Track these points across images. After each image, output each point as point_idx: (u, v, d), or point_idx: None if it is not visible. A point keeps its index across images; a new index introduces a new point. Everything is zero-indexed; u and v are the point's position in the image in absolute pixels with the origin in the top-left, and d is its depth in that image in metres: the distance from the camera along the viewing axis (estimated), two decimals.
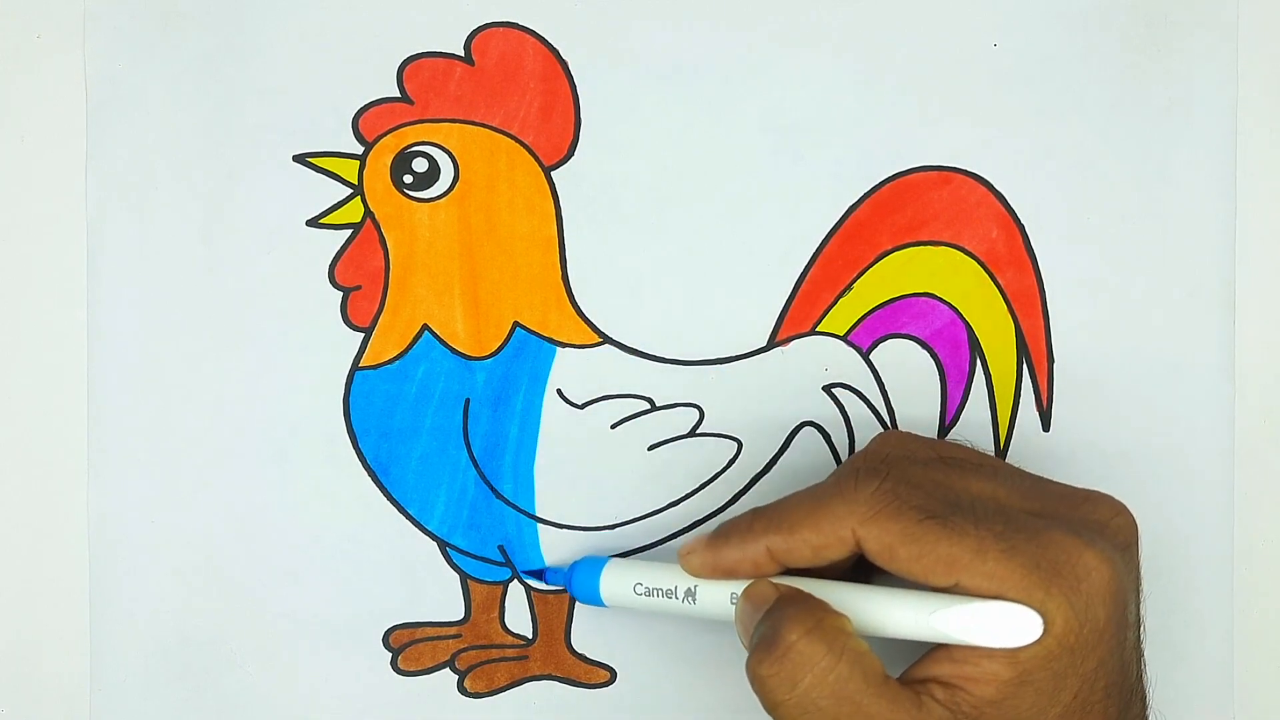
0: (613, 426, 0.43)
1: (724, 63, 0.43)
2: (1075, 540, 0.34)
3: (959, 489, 0.36)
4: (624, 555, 0.43)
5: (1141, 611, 0.36)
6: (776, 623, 0.35)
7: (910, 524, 0.34)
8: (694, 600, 0.39)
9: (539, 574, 0.43)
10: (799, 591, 0.36)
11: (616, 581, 0.40)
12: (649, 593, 0.39)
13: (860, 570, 0.38)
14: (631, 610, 0.41)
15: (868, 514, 0.35)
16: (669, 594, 0.39)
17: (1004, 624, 0.33)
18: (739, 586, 0.37)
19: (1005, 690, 0.34)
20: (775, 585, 0.37)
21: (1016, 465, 0.40)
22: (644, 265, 0.43)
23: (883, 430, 0.43)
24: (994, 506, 0.35)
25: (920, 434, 0.40)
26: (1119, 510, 0.36)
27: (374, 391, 0.43)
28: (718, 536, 0.38)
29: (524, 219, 0.43)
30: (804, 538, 0.36)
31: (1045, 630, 0.33)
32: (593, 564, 0.41)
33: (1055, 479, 0.38)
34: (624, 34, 0.43)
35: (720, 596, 0.38)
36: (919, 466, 0.36)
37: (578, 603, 0.43)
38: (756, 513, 0.37)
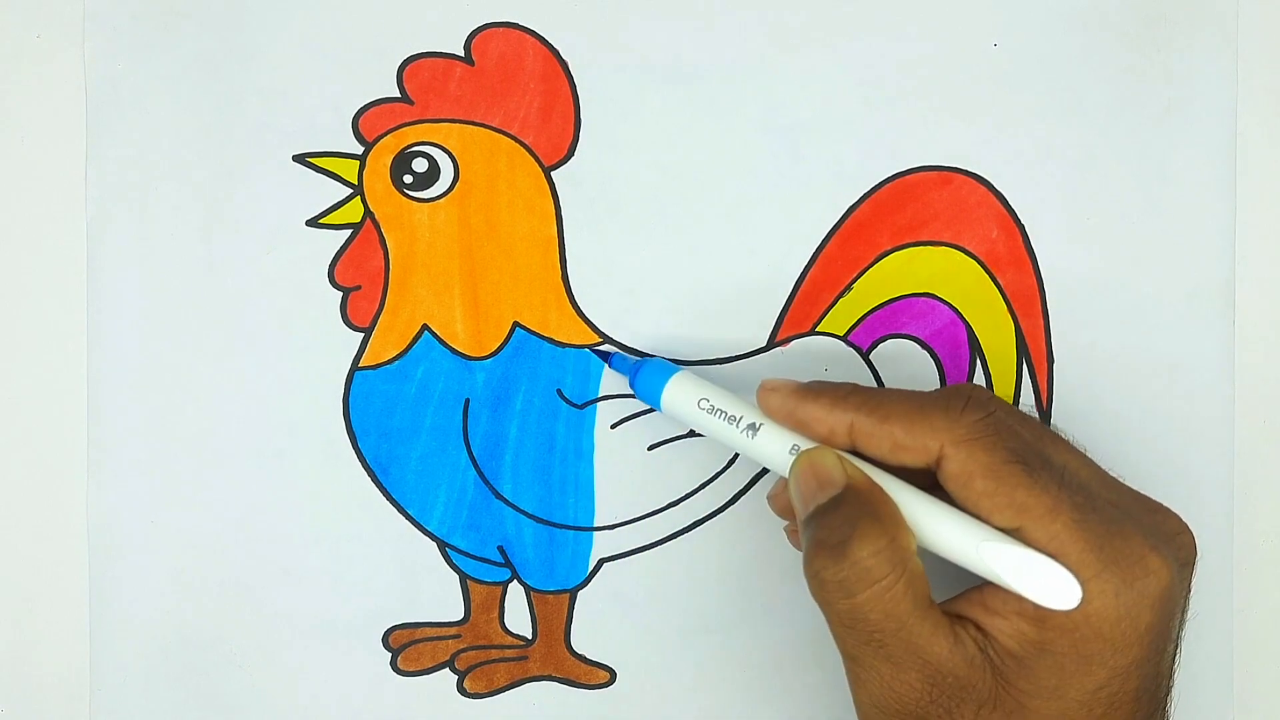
0: (613, 426, 0.43)
1: (724, 63, 0.43)
2: (1144, 540, 0.34)
3: (1051, 452, 0.36)
4: (620, 557, 0.43)
5: (1182, 633, 0.36)
6: (849, 530, 0.34)
7: (999, 462, 0.34)
8: (754, 435, 0.38)
9: (605, 356, 0.42)
10: (869, 486, 0.36)
11: (682, 391, 0.39)
12: (711, 411, 0.39)
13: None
14: (685, 423, 0.40)
15: (964, 437, 0.35)
16: (731, 420, 0.38)
17: (1043, 580, 0.33)
18: (802, 440, 0.37)
19: (1027, 650, 0.34)
20: (844, 464, 0.36)
21: None
22: (644, 265, 0.43)
23: None
24: (1079, 481, 0.35)
25: None
26: (1183, 529, 0.36)
27: (374, 391, 0.43)
28: (808, 388, 0.37)
29: (524, 219, 0.43)
30: (891, 431, 0.36)
31: (1079, 605, 0.33)
32: (662, 367, 0.40)
33: (1066, 437, 0.38)
34: (624, 34, 0.43)
35: (781, 443, 0.37)
36: (1019, 418, 0.37)
37: (578, 603, 0.43)
38: (855, 387, 0.37)
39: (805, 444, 0.37)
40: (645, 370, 0.40)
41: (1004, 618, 0.35)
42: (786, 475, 0.37)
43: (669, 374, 0.40)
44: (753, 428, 0.38)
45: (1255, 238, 0.44)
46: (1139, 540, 0.34)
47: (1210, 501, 0.43)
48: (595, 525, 0.43)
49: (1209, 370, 0.44)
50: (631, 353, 0.43)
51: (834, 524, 0.35)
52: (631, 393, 0.43)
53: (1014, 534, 0.34)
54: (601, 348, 0.43)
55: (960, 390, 0.37)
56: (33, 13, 0.43)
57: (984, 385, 0.38)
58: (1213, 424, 0.44)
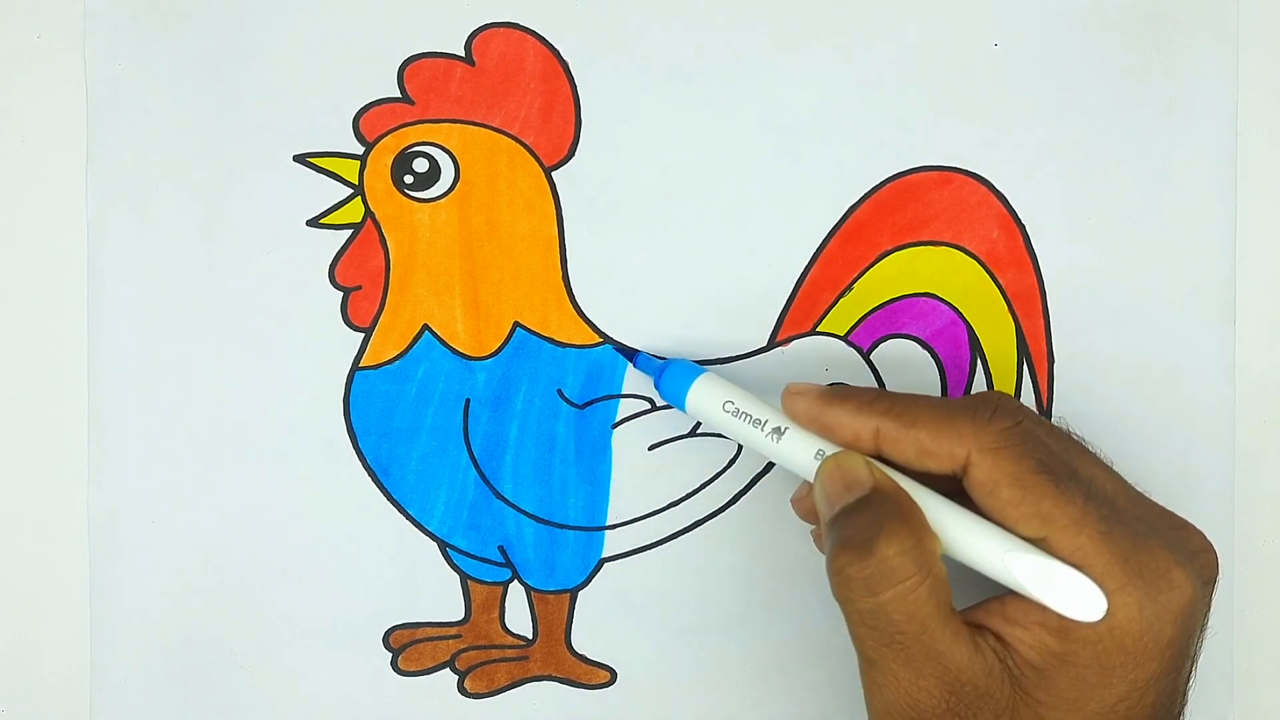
0: (613, 426, 0.43)
1: (724, 63, 0.43)
2: (1169, 555, 0.34)
3: (1078, 465, 0.36)
4: (620, 556, 0.43)
5: (1200, 650, 0.36)
6: (875, 529, 0.34)
7: (1026, 471, 0.34)
8: (779, 439, 0.38)
9: (630, 355, 0.42)
10: (896, 489, 0.36)
11: (708, 393, 0.39)
12: (737, 414, 0.39)
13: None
14: (710, 425, 0.40)
15: (991, 444, 0.35)
16: (756, 423, 0.38)
17: (1068, 591, 0.33)
18: (827, 445, 0.37)
19: (1048, 661, 0.34)
20: (871, 467, 0.36)
21: None
22: (644, 265, 0.43)
23: None
24: (1105, 493, 0.35)
25: None
26: (1207, 547, 0.36)
27: (374, 391, 0.43)
28: (833, 393, 0.37)
29: (524, 219, 0.43)
30: (918, 437, 0.36)
31: (1104, 617, 0.33)
32: (688, 368, 0.40)
33: (1093, 450, 0.38)
34: (624, 34, 0.43)
35: (807, 448, 0.37)
36: (1047, 429, 0.37)
37: (578, 603, 0.43)
38: (881, 392, 0.37)
39: (830, 449, 0.37)
40: (670, 371, 0.40)
41: (1025, 628, 0.34)
42: (811, 479, 0.37)
43: (694, 375, 0.40)
44: (778, 431, 0.38)
45: (1256, 238, 0.44)
46: (1164, 555, 0.34)
47: (1210, 501, 0.43)
48: (594, 525, 0.43)
49: (1209, 370, 0.44)
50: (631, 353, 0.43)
51: (860, 523, 0.35)
52: (633, 393, 0.43)
53: (1039, 544, 0.34)
54: (624, 346, 0.43)
55: (988, 398, 0.37)
56: (33, 13, 0.43)
57: (1007, 394, 0.37)
58: (1213, 424, 0.44)
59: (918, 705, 0.35)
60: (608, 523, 0.43)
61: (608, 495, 0.43)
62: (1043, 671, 0.34)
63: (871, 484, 0.36)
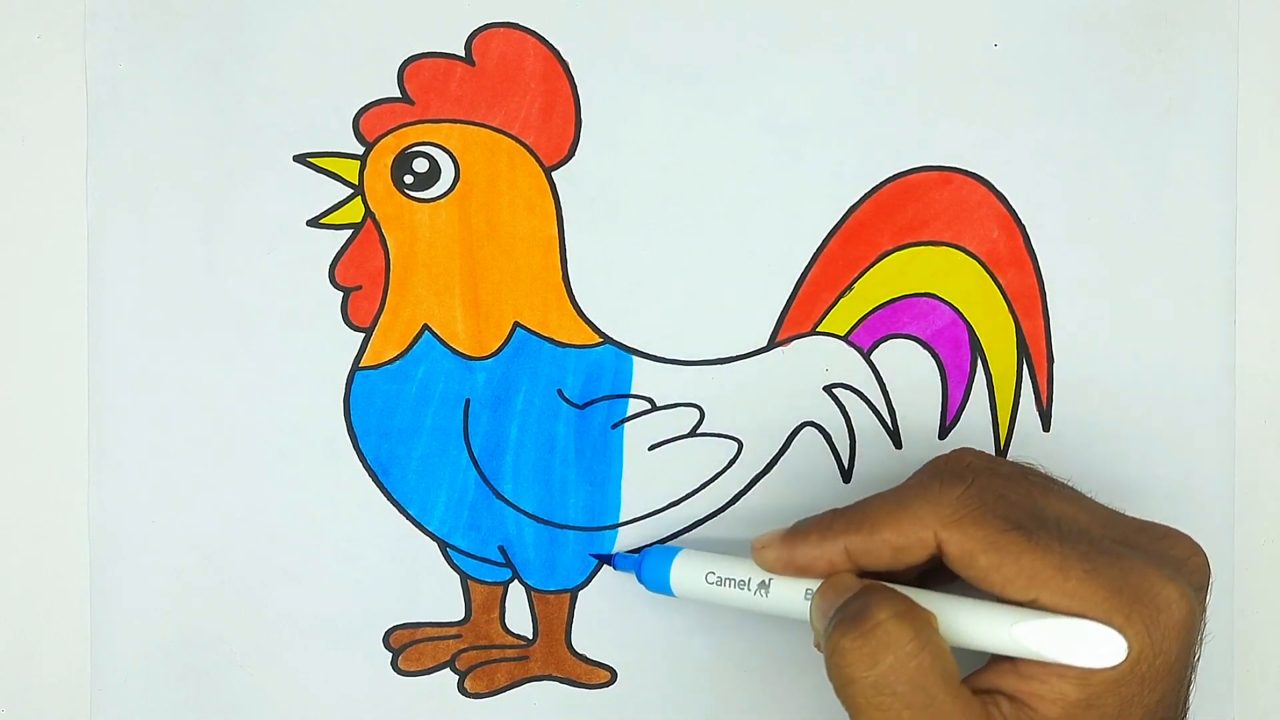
0: (613, 426, 0.43)
1: (724, 63, 0.43)
2: (1158, 572, 0.34)
3: (1042, 506, 0.35)
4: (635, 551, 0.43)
5: (1199, 656, 0.36)
6: (866, 602, 0.34)
7: (994, 532, 0.34)
8: (767, 593, 0.38)
9: (608, 559, 0.43)
10: (885, 584, 0.36)
11: (688, 571, 0.40)
12: (721, 582, 0.39)
13: (928, 583, 0.38)
14: (701, 601, 0.40)
15: (952, 518, 0.35)
16: (742, 585, 0.39)
17: (1085, 643, 0.33)
18: (814, 583, 0.37)
19: (1071, 712, 0.33)
20: (858, 578, 0.36)
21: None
22: (644, 265, 0.43)
23: (886, 435, 0.43)
24: (1078, 527, 0.35)
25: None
26: (1196, 550, 0.36)
27: (374, 391, 0.43)
28: (794, 533, 0.37)
29: (524, 219, 0.43)
30: (884, 538, 0.35)
31: (1126, 656, 0.33)
32: (664, 553, 0.41)
33: (1055, 478, 0.38)
34: (624, 34, 0.43)
35: (795, 591, 0.38)
36: (1002, 479, 0.36)
37: (578, 602, 0.43)
38: (836, 513, 0.37)
39: (816, 586, 0.37)
40: (648, 561, 0.41)
41: (1043, 682, 0.34)
42: (809, 619, 0.37)
43: (671, 557, 0.40)
44: (764, 586, 0.38)
45: (1256, 238, 0.44)
46: (1153, 574, 0.34)
47: (1210, 502, 0.43)
48: (594, 525, 0.43)
49: (1209, 370, 0.44)
50: (632, 353, 0.43)
51: (853, 605, 0.35)
52: (632, 392, 0.43)
53: (1033, 604, 0.34)
54: (596, 554, 0.43)
55: (935, 468, 0.37)
56: (33, 13, 0.43)
57: (966, 447, 0.37)
58: (1213, 424, 0.44)
59: None
60: (608, 523, 0.43)
61: (620, 493, 0.43)
62: None
63: (862, 584, 0.36)
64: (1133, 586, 0.33)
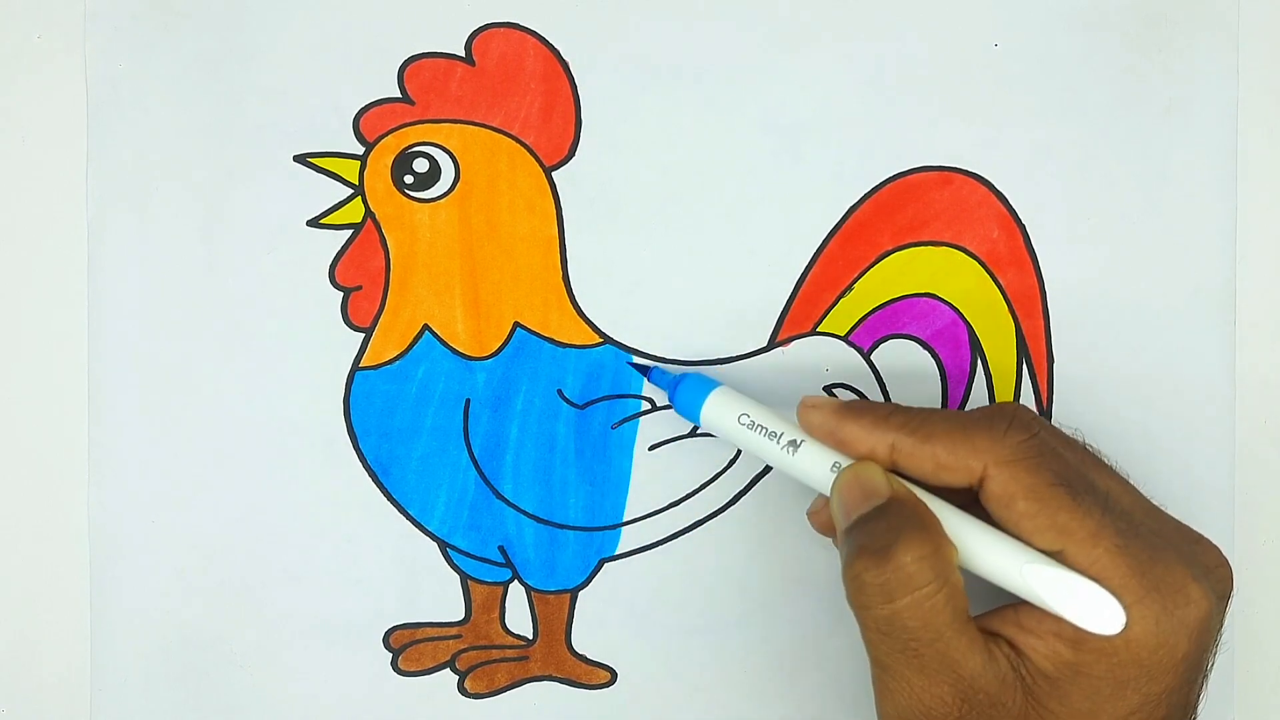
0: (613, 426, 0.43)
1: (724, 63, 0.43)
2: (1185, 569, 0.34)
3: (1094, 477, 0.36)
4: (620, 557, 0.43)
5: (1213, 666, 0.36)
6: (893, 537, 0.34)
7: (1042, 484, 0.34)
8: (794, 451, 0.38)
9: (645, 370, 0.42)
10: (913, 498, 0.36)
11: (722, 406, 0.39)
12: (752, 426, 0.39)
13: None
14: (725, 438, 0.40)
15: (1008, 457, 0.35)
16: (772, 436, 0.38)
17: (1086, 604, 0.33)
18: (843, 459, 0.37)
19: (1062, 671, 0.34)
20: (889, 478, 0.36)
21: None
22: (644, 265, 0.43)
23: None
24: (1122, 507, 0.35)
25: None
26: (1223, 561, 0.36)
27: (374, 392, 0.43)
28: (849, 408, 0.37)
29: (524, 219, 0.43)
30: (934, 451, 0.36)
31: (1121, 630, 0.33)
32: (702, 381, 0.40)
33: (1107, 461, 0.38)
34: (624, 34, 0.43)
35: (822, 461, 0.37)
36: (1063, 441, 0.37)
37: (578, 603, 0.43)
38: (896, 407, 0.37)
39: (846, 462, 0.37)
40: (685, 385, 0.40)
41: (1039, 637, 0.34)
42: (827, 492, 0.37)
43: (709, 389, 0.40)
44: (793, 444, 0.38)
45: (1256, 238, 0.44)
46: (1180, 569, 0.34)
47: (1210, 502, 0.43)
48: (594, 525, 0.43)
49: (1209, 370, 0.44)
50: (632, 353, 0.43)
51: (877, 530, 0.35)
52: (632, 392, 0.43)
53: (1055, 557, 0.34)
54: (638, 361, 0.43)
55: (1004, 410, 0.37)
56: (33, 13, 0.43)
57: (1024, 406, 0.38)
58: (1213, 424, 0.44)
59: (929, 711, 0.34)
60: (608, 523, 0.43)
61: (625, 493, 0.43)
62: (1056, 681, 0.34)
63: (889, 493, 0.36)
64: (1157, 575, 0.33)
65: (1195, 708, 0.36)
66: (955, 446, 0.35)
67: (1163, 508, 0.37)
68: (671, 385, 0.41)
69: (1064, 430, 0.38)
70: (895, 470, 0.37)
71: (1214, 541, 0.36)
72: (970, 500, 0.36)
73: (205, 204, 0.43)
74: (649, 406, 0.43)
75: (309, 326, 0.43)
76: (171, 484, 0.43)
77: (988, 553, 0.35)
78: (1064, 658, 0.34)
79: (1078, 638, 0.34)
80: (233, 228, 0.43)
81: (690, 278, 0.43)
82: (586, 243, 0.43)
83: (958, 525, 0.35)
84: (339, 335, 0.43)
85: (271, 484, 0.43)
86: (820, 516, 0.40)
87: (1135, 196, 0.43)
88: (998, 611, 0.36)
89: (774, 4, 0.43)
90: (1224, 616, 0.35)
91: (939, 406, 0.43)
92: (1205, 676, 0.36)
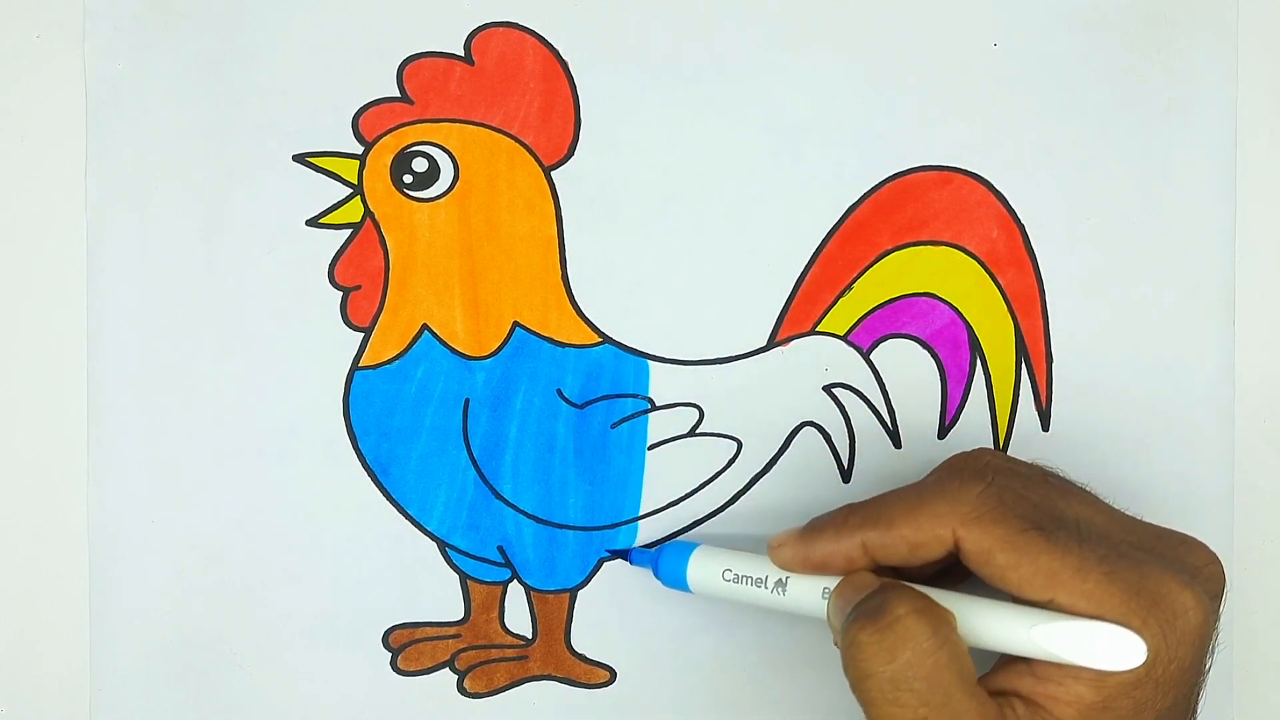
0: (613, 426, 0.43)
1: (724, 63, 0.43)
2: (1175, 578, 0.34)
3: (1061, 508, 0.35)
4: (620, 556, 0.43)
5: (1210, 663, 0.36)
6: (885, 597, 0.34)
7: (1013, 531, 0.34)
8: (784, 591, 0.38)
9: (624, 554, 0.43)
10: (903, 582, 0.36)
11: (704, 567, 0.40)
12: (738, 579, 0.39)
13: (943, 583, 0.37)
14: (717, 599, 0.40)
15: (971, 515, 0.34)
16: (759, 583, 0.38)
17: (1104, 646, 0.33)
18: (831, 581, 0.37)
19: (1087, 714, 0.33)
20: (876, 576, 0.36)
21: None
22: (644, 265, 0.43)
23: (884, 434, 0.43)
24: (1096, 530, 0.35)
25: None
26: (1212, 559, 0.36)
27: (374, 391, 0.43)
28: (810, 530, 0.37)
29: (524, 219, 0.43)
30: (902, 534, 0.35)
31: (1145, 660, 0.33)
32: (680, 548, 0.41)
33: (1073, 483, 0.38)
34: (624, 34, 0.43)
35: (812, 589, 0.37)
36: (1021, 480, 0.36)
37: (578, 602, 0.43)
38: (852, 508, 0.37)
39: (834, 583, 0.37)
40: (665, 556, 0.41)
41: (1059, 684, 0.34)
42: (828, 620, 0.37)
43: (688, 553, 0.40)
44: (780, 584, 0.38)
45: (1255, 238, 0.44)
46: (1170, 579, 0.33)
47: (1210, 502, 0.43)
48: (592, 525, 0.43)
49: (1209, 370, 0.43)
50: (632, 353, 0.43)
51: (871, 599, 0.35)
52: (632, 392, 0.43)
53: (1050, 605, 0.34)
54: (615, 550, 0.43)
55: (954, 466, 0.37)
56: (33, 13, 0.43)
57: (985, 446, 0.37)
58: (1213, 424, 0.44)
59: None
60: (608, 523, 0.43)
61: (607, 495, 0.43)
62: None
63: (880, 582, 0.36)
64: (1150, 591, 0.33)
65: (1196, 708, 0.36)
66: (918, 522, 0.35)
67: (1142, 516, 0.36)
68: (653, 561, 0.42)
69: (1018, 462, 0.37)
70: (880, 571, 0.37)
71: (1210, 541, 0.36)
72: (961, 576, 0.36)
73: (205, 204, 0.43)
74: (648, 406, 0.43)
75: (308, 326, 0.43)
76: (171, 484, 0.43)
77: (991, 625, 0.34)
78: (1087, 700, 0.33)
79: (1098, 678, 0.33)
80: (232, 228, 0.43)
81: (690, 277, 0.43)
82: (586, 242, 0.43)
83: (954, 605, 0.35)
84: (338, 335, 0.43)
85: (271, 484, 0.43)
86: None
87: (1135, 196, 0.43)
88: (1006, 668, 0.35)
89: (774, 4, 0.43)
90: (1219, 615, 0.35)
91: (930, 414, 0.43)
92: (1204, 676, 0.36)
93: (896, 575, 0.37)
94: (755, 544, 0.43)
